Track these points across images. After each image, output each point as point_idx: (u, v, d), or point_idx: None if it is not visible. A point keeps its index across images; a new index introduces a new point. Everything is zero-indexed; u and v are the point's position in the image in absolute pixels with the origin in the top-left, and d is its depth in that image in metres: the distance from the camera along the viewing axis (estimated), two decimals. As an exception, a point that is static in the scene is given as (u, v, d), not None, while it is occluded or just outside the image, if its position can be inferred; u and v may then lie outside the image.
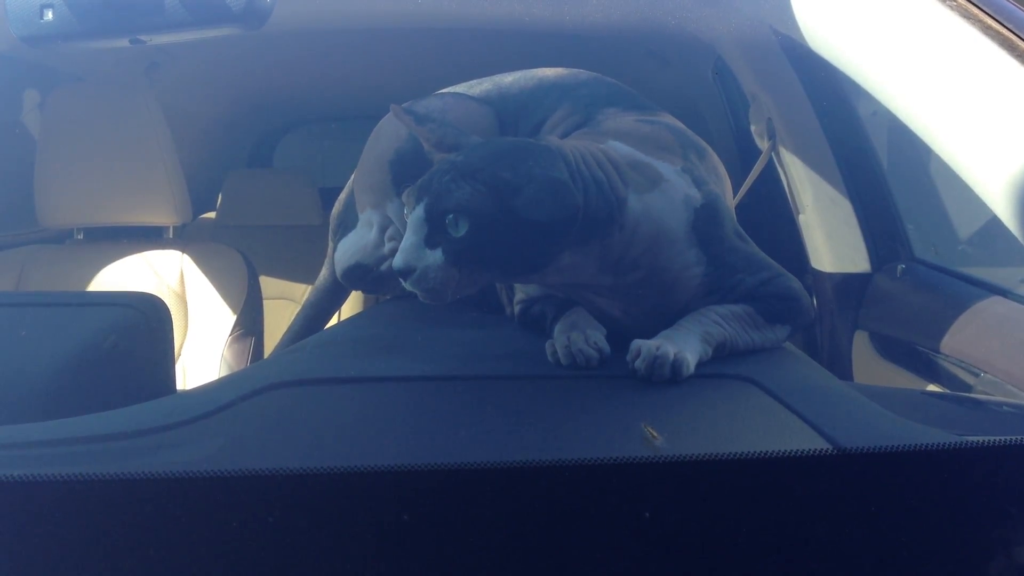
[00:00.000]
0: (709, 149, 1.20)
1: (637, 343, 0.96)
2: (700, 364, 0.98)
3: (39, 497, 0.65)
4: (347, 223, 1.46)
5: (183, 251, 1.97)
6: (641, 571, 0.65)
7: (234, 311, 1.92)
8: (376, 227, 1.38)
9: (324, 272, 1.59)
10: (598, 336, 1.02)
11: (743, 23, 1.75)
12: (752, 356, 1.06)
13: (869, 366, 1.64)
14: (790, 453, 0.69)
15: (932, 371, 1.43)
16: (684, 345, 0.97)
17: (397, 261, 0.97)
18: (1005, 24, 1.07)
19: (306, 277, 2.33)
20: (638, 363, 0.94)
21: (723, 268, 1.09)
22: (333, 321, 1.70)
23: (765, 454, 0.70)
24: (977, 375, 1.31)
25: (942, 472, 0.71)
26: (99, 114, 1.93)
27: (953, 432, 0.81)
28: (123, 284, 1.90)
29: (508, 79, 1.37)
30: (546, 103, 1.29)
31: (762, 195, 1.81)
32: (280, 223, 2.57)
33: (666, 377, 0.93)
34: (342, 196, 1.52)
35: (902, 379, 1.52)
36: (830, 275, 1.74)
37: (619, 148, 1.08)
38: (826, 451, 0.72)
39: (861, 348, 1.67)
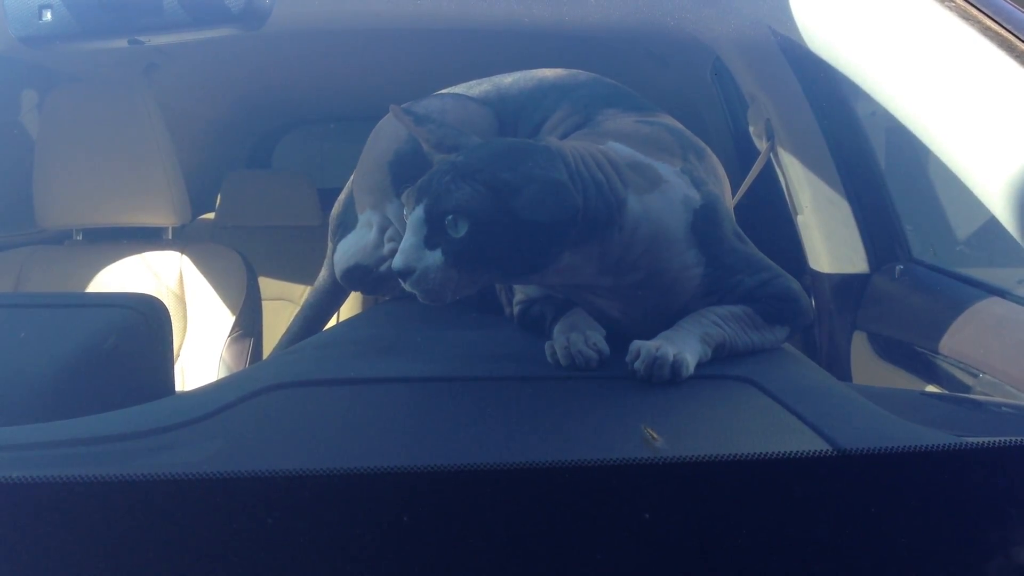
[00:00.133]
0: (708, 150, 1.20)
1: (636, 344, 0.96)
2: (699, 365, 0.98)
3: (39, 498, 0.64)
4: (346, 224, 1.46)
5: (182, 252, 1.97)
6: (641, 572, 0.65)
7: (233, 312, 1.92)
8: (375, 228, 1.38)
9: (323, 273, 1.58)
10: (597, 337, 1.02)
11: (742, 24, 1.75)
12: (751, 357, 1.06)
13: (868, 367, 1.64)
14: (789, 454, 0.69)
15: (931, 372, 1.43)
16: (683, 346, 0.97)
17: (397, 262, 0.97)
18: (1004, 25, 1.07)
19: (305, 278, 2.33)
20: (637, 364, 0.94)
21: (722, 269, 1.09)
22: (332, 322, 1.70)
23: (764, 455, 0.70)
24: (976, 376, 1.31)
25: (941, 473, 0.71)
26: (98, 115, 1.93)
27: (952, 433, 0.82)
28: (122, 285, 1.90)
29: (507, 80, 1.37)
30: (545, 104, 1.29)
31: (760, 196, 1.81)
32: (279, 224, 2.56)
33: (665, 378, 0.93)
34: (341, 197, 1.52)
35: (900, 380, 1.52)
36: (828, 276, 1.74)
37: (618, 149, 1.08)
38: (825, 452, 0.72)
39: (859, 349, 1.67)
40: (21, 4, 1.32)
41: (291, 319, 1.66)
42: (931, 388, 1.43)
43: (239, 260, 1.98)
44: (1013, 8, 1.09)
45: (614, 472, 0.68)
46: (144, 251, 1.96)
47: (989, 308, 1.37)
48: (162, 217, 1.97)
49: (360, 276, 1.42)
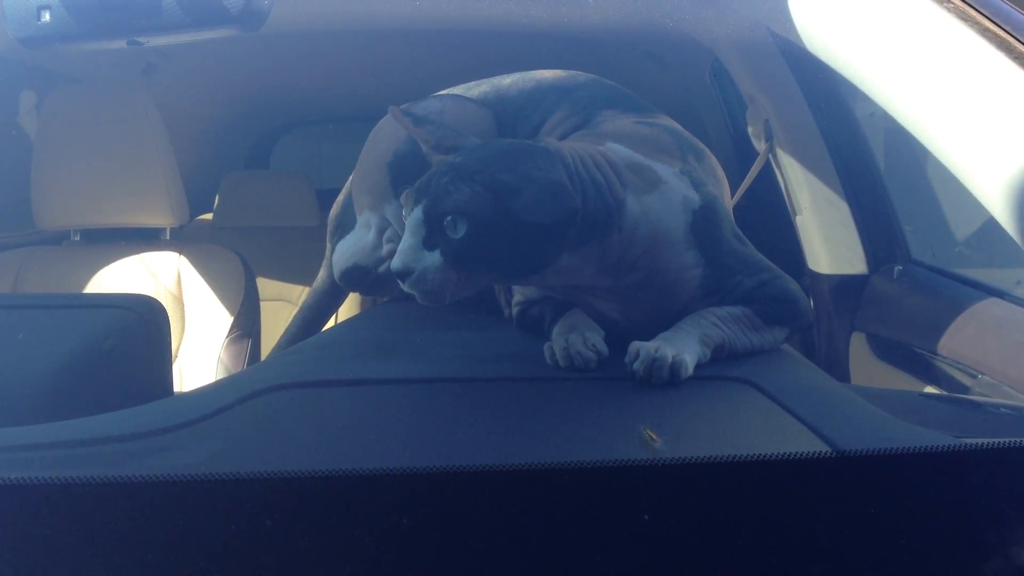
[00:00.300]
0: (707, 151, 1.20)
1: (635, 345, 0.96)
2: (698, 366, 0.98)
3: (37, 500, 0.64)
4: (345, 225, 1.46)
5: (180, 253, 1.96)
6: (640, 574, 0.65)
7: (231, 313, 1.92)
8: (374, 229, 1.38)
9: (322, 274, 1.58)
10: (596, 338, 1.02)
11: (740, 25, 1.75)
12: (751, 358, 1.06)
13: (866, 368, 1.64)
14: (788, 455, 0.69)
15: (929, 373, 1.43)
16: (682, 347, 0.97)
17: (395, 263, 0.97)
18: (1002, 26, 1.07)
19: (303, 279, 2.33)
20: (636, 365, 0.94)
21: (721, 270, 1.09)
22: (330, 323, 1.70)
23: (764, 456, 0.70)
24: (974, 377, 1.31)
25: (941, 474, 0.71)
26: (96, 115, 1.92)
27: (951, 434, 0.82)
28: (120, 286, 1.89)
29: (506, 81, 1.37)
30: (544, 105, 1.29)
31: (759, 197, 1.81)
32: (277, 225, 2.56)
33: (664, 379, 0.93)
34: (340, 198, 1.52)
35: (899, 381, 1.52)
36: (827, 276, 1.74)
37: (618, 150, 1.08)
38: (825, 453, 0.72)
39: (858, 350, 1.67)
40: (20, 5, 1.32)
41: (289, 320, 1.65)
42: (930, 389, 1.43)
43: (237, 261, 1.98)
44: (1012, 9, 1.09)
45: (613, 473, 0.68)
46: (142, 252, 1.96)
47: (988, 309, 1.37)
48: (160, 218, 1.96)
49: (359, 277, 1.42)
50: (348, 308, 1.92)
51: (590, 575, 0.65)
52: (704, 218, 1.08)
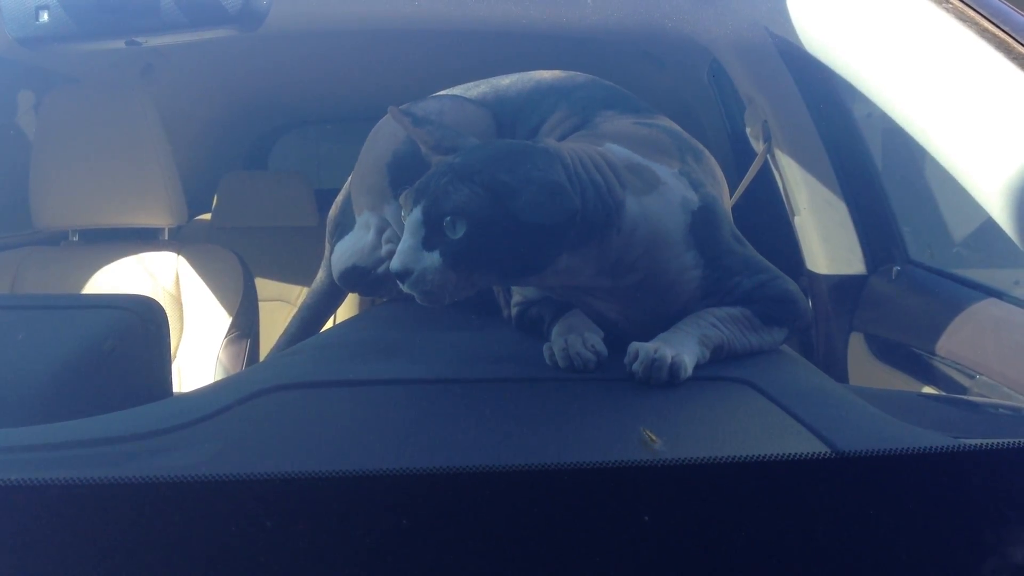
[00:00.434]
0: (706, 152, 1.20)
1: (635, 346, 0.96)
2: (697, 367, 0.98)
3: (37, 501, 0.64)
4: (344, 225, 1.46)
5: (178, 253, 1.96)
6: (641, 574, 0.65)
7: (229, 313, 1.92)
8: (373, 229, 1.38)
9: (321, 274, 1.58)
10: (596, 339, 1.02)
11: (739, 25, 1.75)
12: (750, 359, 1.06)
13: (864, 368, 1.64)
14: (788, 456, 0.69)
15: (928, 373, 1.44)
16: (682, 348, 0.97)
17: (395, 263, 0.97)
18: (1001, 27, 1.07)
19: (302, 279, 2.33)
20: (636, 366, 0.94)
21: (720, 271, 1.09)
22: (328, 324, 1.70)
23: (763, 457, 0.70)
24: (973, 377, 1.31)
25: (940, 475, 0.71)
26: (95, 116, 1.92)
27: (950, 435, 0.82)
28: (118, 286, 1.89)
29: (505, 81, 1.37)
30: (543, 106, 1.29)
31: (758, 197, 1.81)
32: (275, 225, 2.56)
33: (664, 380, 0.93)
34: (339, 198, 1.52)
35: (897, 381, 1.52)
36: (825, 277, 1.74)
37: (617, 151, 1.08)
38: (824, 454, 0.72)
39: (856, 350, 1.67)
40: (18, 5, 1.32)
41: (288, 320, 1.65)
42: (928, 389, 1.43)
43: (235, 261, 1.98)
44: (1010, 10, 1.09)
45: (613, 474, 0.68)
46: (140, 252, 1.96)
47: (986, 309, 1.37)
48: (158, 218, 1.96)
49: (358, 277, 1.42)
50: (346, 309, 1.92)
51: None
52: (703, 219, 1.08)
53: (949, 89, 1.13)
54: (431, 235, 0.96)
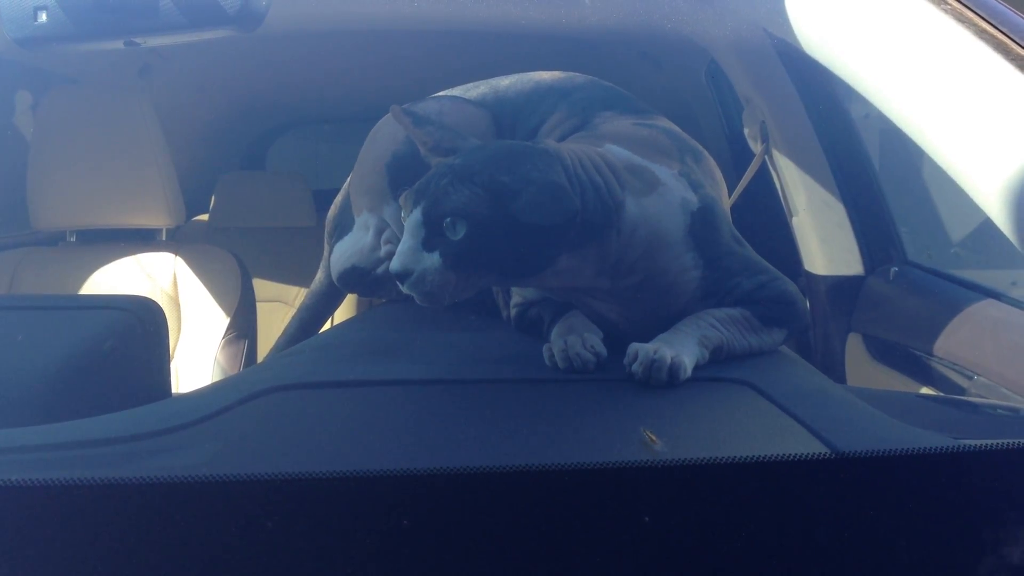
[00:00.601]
0: (705, 153, 1.21)
1: (634, 346, 0.96)
2: (697, 368, 0.98)
3: (36, 501, 0.64)
4: (343, 226, 1.46)
5: (176, 253, 1.96)
6: (641, 575, 0.65)
7: (227, 314, 1.92)
8: (372, 230, 1.38)
9: (320, 275, 1.58)
10: (595, 340, 1.02)
11: (737, 26, 1.75)
12: (749, 360, 1.06)
13: (862, 369, 1.64)
14: (788, 457, 0.69)
15: (926, 374, 1.44)
16: (681, 349, 0.97)
17: (395, 264, 0.97)
18: (999, 28, 1.07)
19: (299, 280, 2.33)
20: (635, 367, 0.94)
21: (720, 272, 1.09)
22: (326, 325, 1.70)
23: (763, 458, 0.70)
24: (971, 378, 1.31)
25: (940, 476, 0.71)
26: (92, 116, 1.92)
27: (948, 435, 0.82)
28: (116, 286, 1.89)
29: (504, 82, 1.37)
30: (543, 107, 1.29)
31: (756, 198, 1.82)
32: (273, 225, 2.56)
33: (663, 381, 0.93)
34: (338, 199, 1.52)
35: (895, 382, 1.52)
36: (823, 278, 1.75)
37: (616, 152, 1.08)
38: (824, 455, 0.72)
39: (854, 351, 1.68)
40: (16, 6, 1.32)
41: (286, 321, 1.65)
42: (925, 390, 1.43)
43: (233, 262, 1.97)
44: (1009, 11, 1.10)
45: (613, 474, 0.68)
46: (138, 253, 1.96)
47: (984, 310, 1.38)
48: (156, 218, 1.96)
49: (357, 278, 1.42)
50: (344, 310, 1.93)
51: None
52: (702, 220, 1.08)
53: (947, 90, 1.13)
54: (431, 236, 0.97)
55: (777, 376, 1.02)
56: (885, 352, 1.60)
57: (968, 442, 0.75)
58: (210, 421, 0.82)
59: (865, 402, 0.90)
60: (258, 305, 2.03)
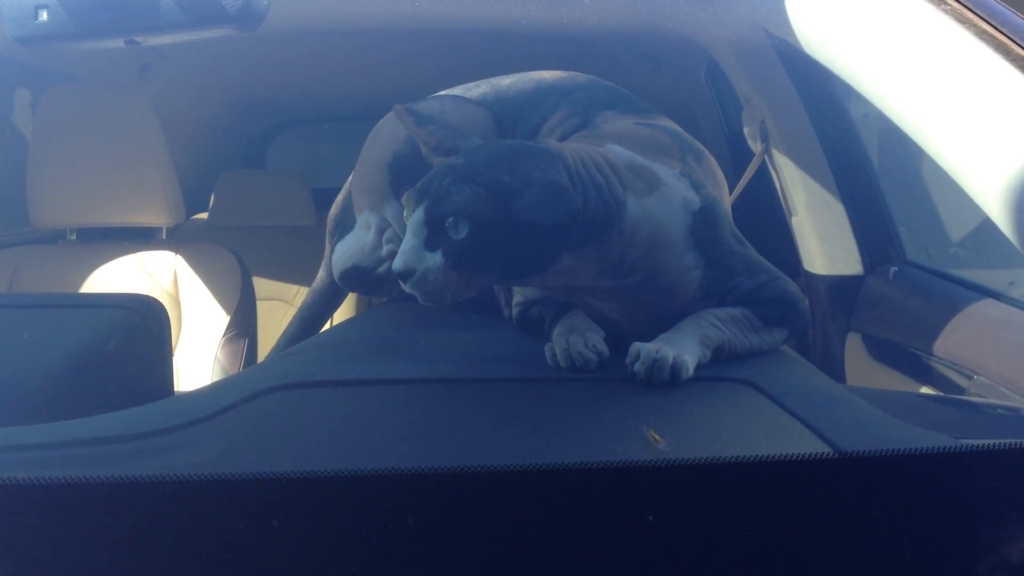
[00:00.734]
0: (707, 152, 1.21)
1: (636, 346, 0.96)
2: (699, 367, 0.99)
3: (41, 500, 0.64)
4: (345, 225, 1.46)
5: (176, 252, 1.96)
6: (644, 574, 0.65)
7: (227, 312, 1.92)
8: (374, 229, 1.38)
9: (321, 274, 1.58)
10: (597, 339, 1.03)
11: (737, 26, 1.75)
12: (751, 359, 1.07)
13: (861, 368, 1.64)
14: (790, 456, 0.69)
15: (925, 374, 1.44)
16: (683, 348, 0.97)
17: (397, 263, 0.97)
18: (999, 28, 1.07)
19: (299, 278, 2.33)
20: (637, 366, 0.94)
21: (721, 271, 1.09)
22: (327, 324, 1.70)
23: (766, 458, 0.70)
24: (970, 378, 1.31)
25: (942, 475, 0.71)
26: (92, 114, 1.92)
27: (949, 435, 0.82)
28: (116, 285, 1.89)
29: (505, 82, 1.37)
30: (544, 106, 1.29)
31: (755, 198, 1.82)
32: (273, 224, 2.56)
33: (665, 380, 0.93)
34: (339, 198, 1.52)
35: (894, 381, 1.52)
36: (823, 277, 1.75)
37: (618, 151, 1.09)
38: (826, 454, 0.73)
39: (853, 350, 1.68)
40: (17, 4, 1.32)
41: (286, 319, 1.65)
42: (925, 390, 1.43)
43: (233, 260, 1.97)
44: (1009, 12, 1.10)
45: (616, 474, 0.68)
46: (138, 251, 1.96)
47: (983, 310, 1.38)
48: (156, 217, 1.96)
49: (358, 277, 1.42)
50: (344, 309, 1.92)
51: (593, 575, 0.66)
52: (704, 220, 1.09)
53: (947, 90, 1.14)
54: (433, 235, 0.97)
55: (779, 376, 1.02)
56: (884, 352, 1.60)
57: (968, 442, 0.75)
58: (213, 420, 0.82)
59: (866, 402, 0.91)
60: (258, 303, 2.03)
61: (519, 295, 1.21)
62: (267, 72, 2.47)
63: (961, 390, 1.33)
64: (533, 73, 1.36)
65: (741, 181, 1.82)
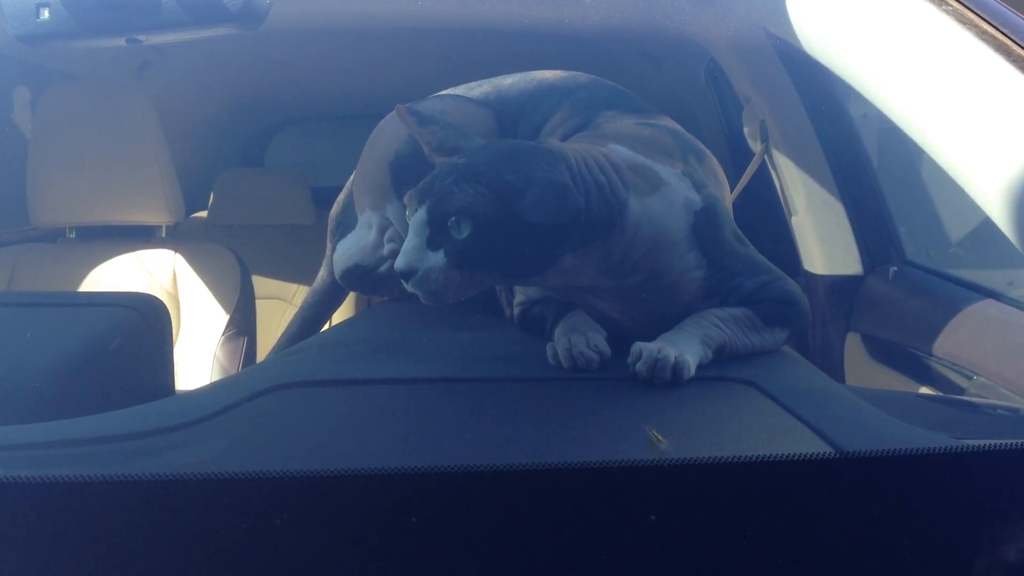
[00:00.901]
0: (708, 152, 1.21)
1: (638, 346, 0.96)
2: (700, 367, 0.99)
3: (42, 498, 0.64)
4: (346, 224, 1.46)
5: (175, 250, 1.96)
6: (646, 574, 0.65)
7: (227, 311, 1.92)
8: (375, 228, 1.38)
9: (322, 273, 1.58)
10: (599, 339, 1.03)
11: (737, 25, 1.75)
12: (753, 359, 1.07)
13: (861, 368, 1.64)
14: (792, 456, 0.70)
15: (924, 374, 1.44)
16: (685, 348, 0.97)
17: (399, 263, 0.97)
18: (1000, 29, 1.07)
19: (299, 277, 2.33)
20: (639, 366, 0.94)
21: (723, 271, 1.09)
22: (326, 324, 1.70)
23: (768, 458, 0.70)
24: (970, 378, 1.31)
25: (942, 475, 0.71)
26: (91, 112, 1.92)
27: (950, 435, 0.82)
28: (116, 283, 1.89)
29: (507, 81, 1.37)
30: (545, 106, 1.29)
31: (755, 197, 1.82)
32: (272, 222, 2.56)
33: (667, 380, 0.94)
34: (341, 197, 1.52)
35: (894, 382, 1.53)
36: (822, 277, 1.75)
37: (620, 151, 1.09)
38: (828, 454, 0.73)
39: (853, 350, 1.68)
40: (18, 2, 1.32)
41: (285, 318, 1.66)
42: (924, 390, 1.44)
43: (233, 259, 1.97)
44: (1010, 12, 1.10)
45: (618, 474, 0.68)
46: (138, 249, 1.95)
47: (983, 310, 1.38)
48: (156, 215, 1.96)
49: (360, 276, 1.42)
50: (344, 309, 1.92)
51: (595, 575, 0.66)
52: (705, 220, 1.09)
53: (948, 91, 1.14)
54: (436, 235, 0.97)
55: (780, 376, 1.03)
56: (884, 352, 1.60)
57: (968, 442, 0.75)
58: (215, 419, 0.82)
59: (867, 402, 0.91)
60: (257, 302, 2.03)
61: (520, 295, 1.21)
62: (267, 70, 2.47)
63: (961, 390, 1.33)
64: (535, 73, 1.36)
65: (741, 181, 1.82)
